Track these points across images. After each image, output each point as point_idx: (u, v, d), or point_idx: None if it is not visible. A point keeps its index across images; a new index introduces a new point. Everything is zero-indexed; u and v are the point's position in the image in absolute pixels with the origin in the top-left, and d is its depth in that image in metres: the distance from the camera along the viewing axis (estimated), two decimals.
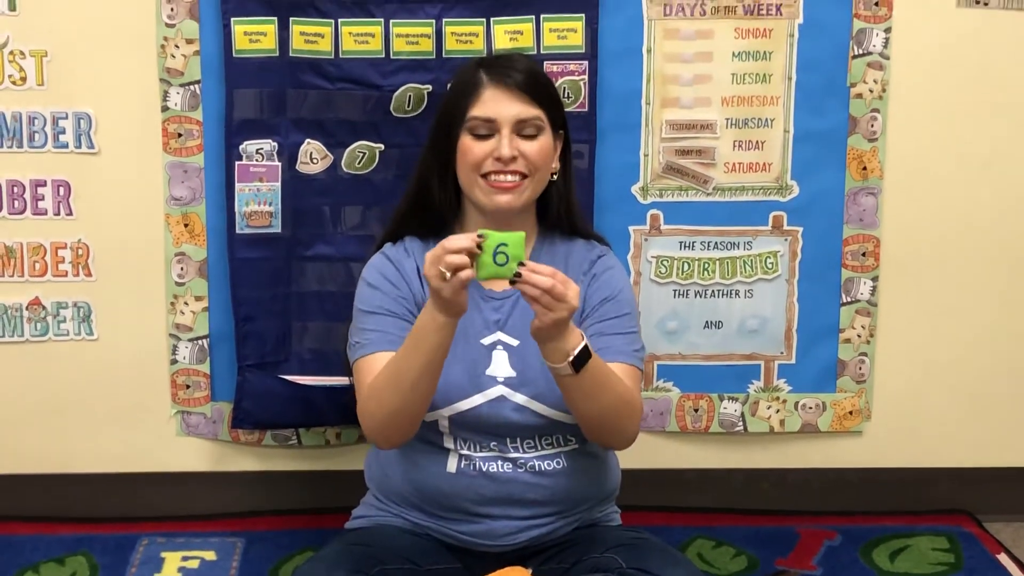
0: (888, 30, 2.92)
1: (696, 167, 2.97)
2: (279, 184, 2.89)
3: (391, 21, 2.83)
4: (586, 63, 2.88)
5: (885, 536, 3.02)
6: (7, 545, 2.92)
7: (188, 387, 3.02)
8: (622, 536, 2.30)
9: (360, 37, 2.84)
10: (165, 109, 2.88)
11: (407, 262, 2.34)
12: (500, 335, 2.31)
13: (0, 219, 2.92)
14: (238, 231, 2.89)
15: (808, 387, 3.08)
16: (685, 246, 3.00)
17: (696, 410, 3.08)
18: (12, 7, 2.83)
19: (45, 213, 2.92)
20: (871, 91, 2.94)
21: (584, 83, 2.89)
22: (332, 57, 2.84)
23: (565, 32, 2.86)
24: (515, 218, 2.30)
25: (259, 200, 2.89)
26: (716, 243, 3.00)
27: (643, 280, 3.01)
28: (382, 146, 2.89)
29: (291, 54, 2.84)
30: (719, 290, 3.03)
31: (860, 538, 3.01)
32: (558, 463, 2.30)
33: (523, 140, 2.26)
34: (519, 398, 2.27)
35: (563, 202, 2.38)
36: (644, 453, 3.05)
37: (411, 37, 2.84)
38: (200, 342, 2.99)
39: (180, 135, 2.90)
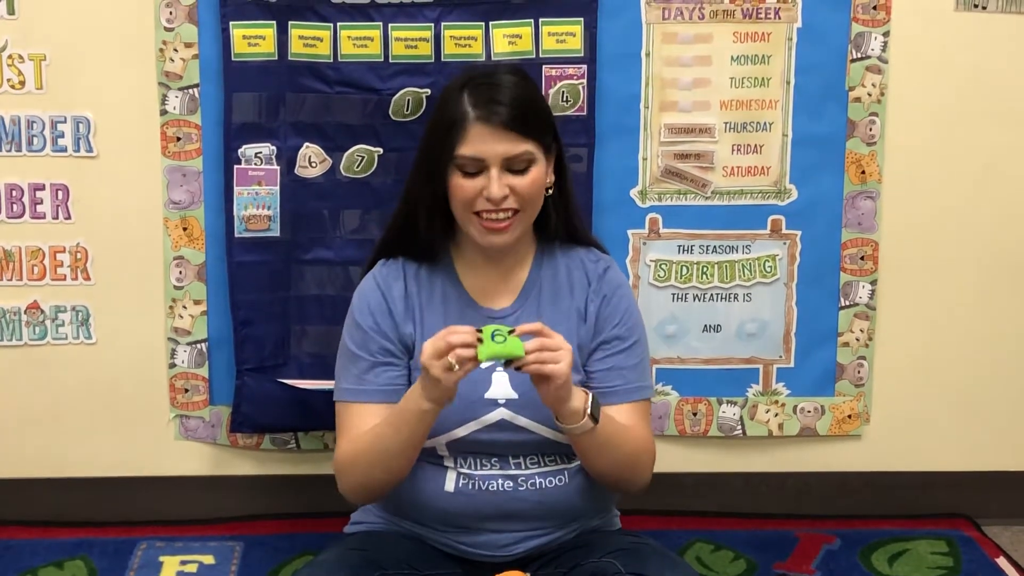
0: (887, 34, 2.92)
1: (695, 171, 2.97)
2: (278, 188, 2.89)
3: (390, 25, 2.83)
4: (585, 67, 2.88)
5: (884, 540, 3.02)
6: (6, 549, 2.92)
7: (187, 391, 3.02)
8: (621, 540, 2.29)
9: (359, 41, 2.84)
10: (164, 113, 2.88)
11: (396, 286, 2.30)
12: None
13: None
14: (237, 235, 2.89)
15: (807, 391, 3.08)
16: (684, 250, 3.00)
17: (695, 414, 3.08)
18: (11, 11, 2.83)
19: (44, 217, 2.92)
20: (870, 95, 2.95)
21: (583, 87, 2.89)
22: (331, 61, 2.84)
23: (564, 36, 2.86)
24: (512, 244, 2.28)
25: (258, 204, 2.89)
26: (715, 247, 3.00)
27: (642, 284, 3.01)
28: (381, 150, 2.89)
29: (290, 58, 2.83)
30: (718, 294, 3.03)
31: (859, 542, 3.01)
32: (560, 480, 2.28)
33: (514, 176, 2.19)
34: (522, 420, 2.24)
35: (561, 214, 2.32)
36: None
37: (410, 41, 2.84)
38: (199, 346, 2.99)
39: (179, 139, 2.90)
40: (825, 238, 3.01)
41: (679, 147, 2.96)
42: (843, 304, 3.04)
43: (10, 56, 2.85)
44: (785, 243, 3.01)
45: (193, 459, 3.07)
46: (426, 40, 2.84)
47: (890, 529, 3.07)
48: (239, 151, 2.87)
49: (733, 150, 2.96)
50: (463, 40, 2.84)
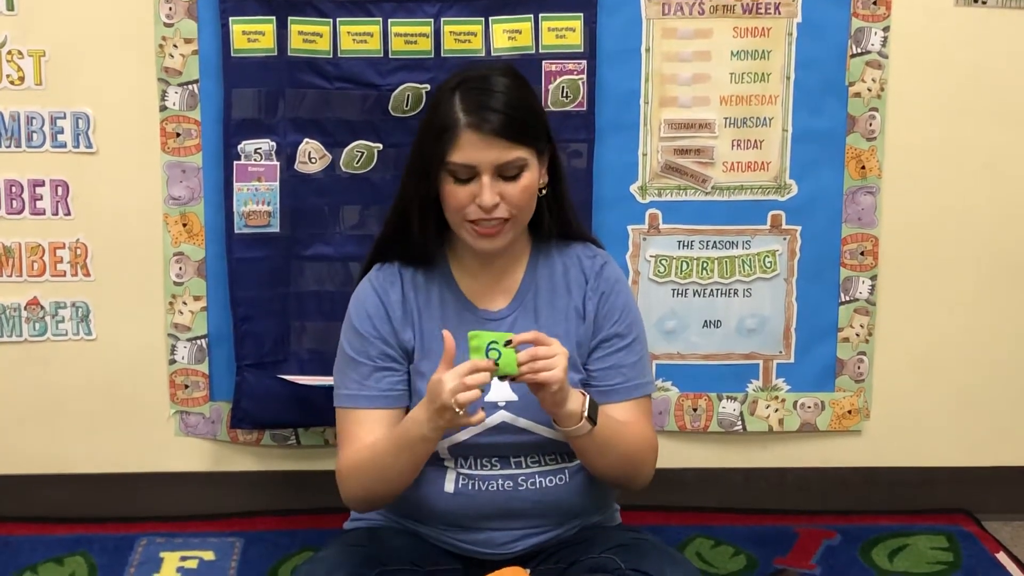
0: (887, 29, 2.92)
1: (695, 166, 2.97)
2: (277, 184, 2.89)
3: (389, 20, 2.83)
4: (585, 62, 2.88)
5: (884, 535, 3.02)
6: (5, 545, 2.92)
7: (187, 387, 3.02)
8: (620, 536, 2.30)
9: (358, 36, 2.84)
10: (163, 109, 2.88)
11: (393, 291, 2.29)
12: None
13: None
14: (236, 231, 2.89)
15: (807, 386, 3.08)
16: (684, 245, 3.00)
17: (695, 409, 3.08)
18: (10, 7, 2.83)
19: (43, 213, 2.92)
20: (870, 90, 2.94)
21: (583, 82, 2.88)
22: (330, 56, 2.84)
23: (564, 31, 2.86)
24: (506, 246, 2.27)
25: (257, 200, 2.89)
26: (715, 242, 3.00)
27: (642, 279, 3.01)
28: (380, 145, 2.89)
29: (289, 53, 2.83)
30: (718, 289, 3.03)
31: (859, 537, 3.00)
32: (560, 478, 2.29)
33: (506, 182, 2.17)
34: (522, 422, 2.24)
35: (555, 213, 2.31)
36: None
37: (409, 36, 2.84)
38: (199, 342, 2.99)
39: (178, 135, 2.90)
40: (825, 233, 3.01)
41: (679, 143, 2.96)
42: (843, 299, 3.04)
43: (9, 52, 2.85)
44: (785, 238, 3.01)
45: (193, 455, 3.07)
46: (426, 35, 2.84)
47: (890, 524, 3.07)
48: (239, 147, 2.87)
49: (733, 145, 2.96)
50: (463, 35, 2.84)
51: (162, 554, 2.90)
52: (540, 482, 2.27)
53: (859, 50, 2.93)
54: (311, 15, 2.82)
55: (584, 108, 2.90)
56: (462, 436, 2.23)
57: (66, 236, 2.94)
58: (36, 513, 3.04)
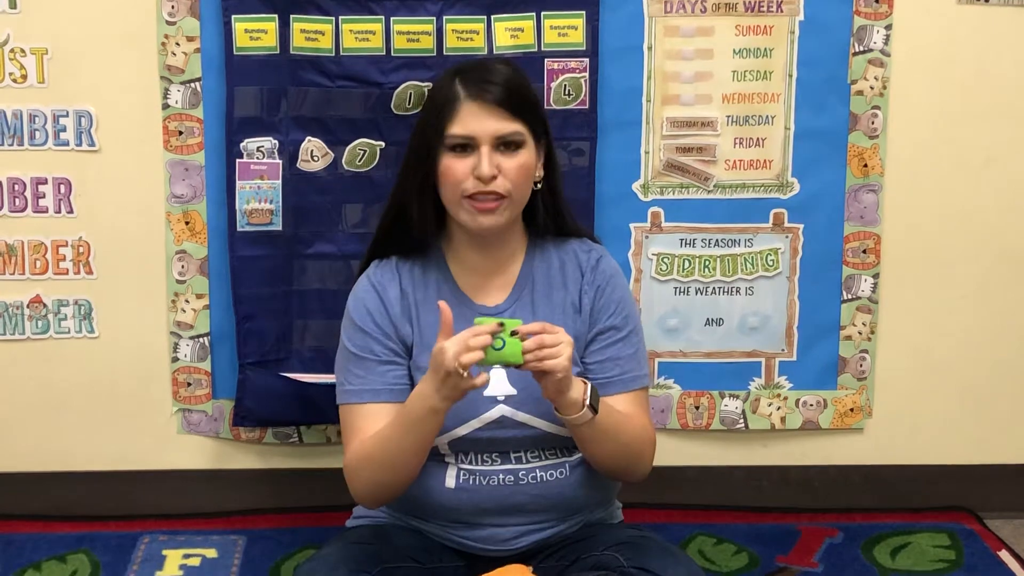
0: (889, 27, 2.92)
1: (697, 164, 2.97)
2: (280, 182, 2.89)
3: (392, 18, 2.83)
4: (587, 60, 2.88)
5: (886, 533, 3.02)
6: (8, 543, 2.93)
7: (189, 385, 3.02)
8: (623, 534, 2.30)
9: (361, 34, 2.84)
10: (166, 107, 2.88)
11: (391, 288, 2.31)
12: None
13: (1, 217, 2.92)
14: (239, 229, 2.89)
15: (809, 384, 3.08)
16: (686, 243, 3.00)
17: (697, 407, 3.08)
18: (13, 5, 2.83)
19: (46, 211, 2.92)
20: (872, 88, 2.94)
21: (585, 80, 2.88)
22: (333, 55, 2.84)
23: (566, 29, 2.86)
24: (502, 233, 2.28)
25: (260, 198, 2.89)
26: (717, 240, 3.00)
27: (644, 277, 3.01)
28: (383, 144, 2.89)
29: (292, 52, 2.83)
30: (720, 287, 3.03)
31: (861, 535, 3.01)
32: (561, 472, 2.29)
33: (503, 156, 2.21)
34: (521, 416, 2.25)
35: (550, 208, 2.33)
36: None
37: (412, 34, 2.84)
38: (201, 340, 2.99)
39: (181, 133, 2.90)
40: (827, 231, 3.01)
41: (681, 141, 2.96)
42: (845, 297, 3.04)
43: (12, 50, 2.85)
44: (787, 236, 3.01)
45: (196, 453, 3.07)
46: (428, 34, 2.84)
47: (892, 522, 3.07)
48: (241, 145, 2.87)
49: (735, 143, 2.96)
50: (465, 33, 2.84)
51: (165, 552, 2.90)
52: (541, 476, 2.27)
53: (861, 48, 2.93)
54: (313, 13, 2.82)
55: (586, 106, 2.90)
56: (462, 431, 2.24)
57: (69, 234, 2.94)
58: (39, 511, 3.04)
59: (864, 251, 3.02)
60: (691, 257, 3.01)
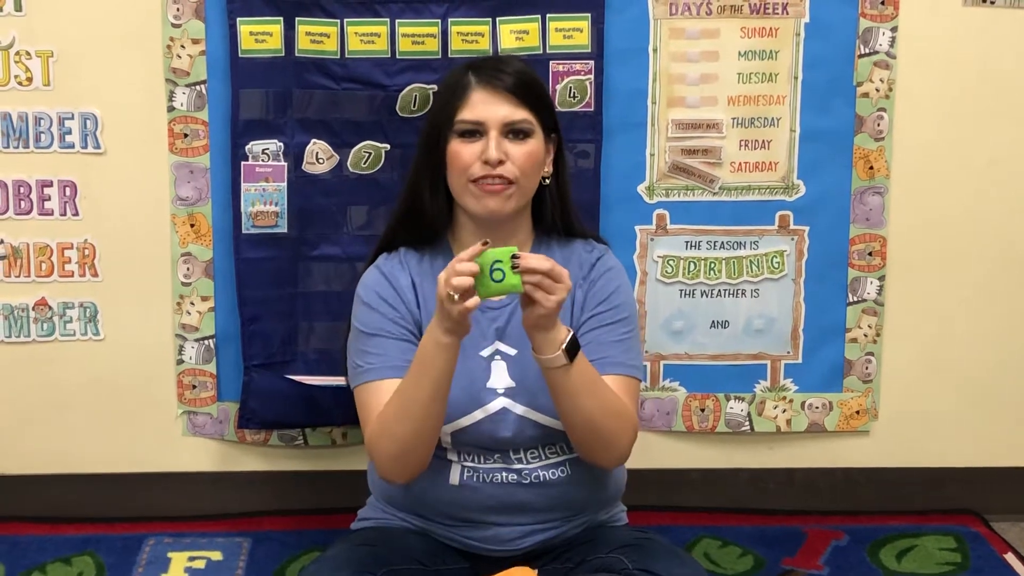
0: (895, 29, 2.92)
1: (702, 166, 2.97)
2: (285, 184, 2.89)
3: (397, 21, 2.83)
4: (592, 63, 2.88)
5: (892, 536, 3.02)
6: (13, 545, 2.93)
7: (194, 387, 3.02)
8: (628, 536, 2.30)
9: (366, 37, 2.84)
10: (171, 109, 2.89)
11: (402, 277, 2.32)
12: (499, 344, 2.30)
13: (6, 219, 2.92)
14: (244, 231, 2.90)
15: (815, 387, 3.08)
16: (691, 246, 3.00)
17: (702, 410, 3.08)
18: (18, 8, 2.84)
19: (51, 213, 2.93)
20: (877, 90, 2.94)
21: (590, 83, 2.88)
22: (338, 57, 2.84)
23: (571, 32, 2.86)
24: (508, 224, 2.29)
25: (265, 200, 2.89)
26: (722, 243, 3.00)
27: (649, 280, 3.01)
28: (388, 146, 2.89)
29: (297, 54, 2.84)
30: (725, 290, 3.02)
31: (867, 538, 3.00)
32: (562, 471, 2.29)
33: (512, 143, 2.23)
34: (519, 408, 2.25)
35: (557, 206, 2.35)
36: (650, 453, 3.05)
37: (417, 37, 2.84)
38: (206, 342, 2.99)
39: (186, 135, 2.90)
40: (833, 234, 3.01)
41: (686, 143, 2.95)
42: (851, 300, 3.04)
43: (18, 53, 2.85)
44: (793, 239, 3.00)
45: (201, 455, 3.07)
46: (433, 36, 2.84)
47: (898, 525, 3.06)
48: (246, 147, 2.87)
49: (741, 146, 2.96)
50: (470, 36, 2.84)
51: (170, 554, 2.90)
52: (543, 475, 2.27)
53: (867, 50, 2.92)
54: (318, 16, 2.82)
55: (591, 108, 2.90)
56: (465, 421, 2.24)
57: (74, 236, 2.94)
58: (44, 513, 3.05)
59: (870, 253, 3.02)
60: (696, 259, 3.01)
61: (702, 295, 3.03)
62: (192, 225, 2.94)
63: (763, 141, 2.96)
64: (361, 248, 2.88)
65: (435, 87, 2.82)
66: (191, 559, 2.88)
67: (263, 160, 2.88)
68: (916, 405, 3.11)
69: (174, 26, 2.85)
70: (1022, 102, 2.99)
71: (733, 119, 2.95)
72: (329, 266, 2.94)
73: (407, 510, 2.35)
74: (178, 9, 2.84)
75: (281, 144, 2.88)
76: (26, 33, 2.85)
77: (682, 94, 2.93)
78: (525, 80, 2.27)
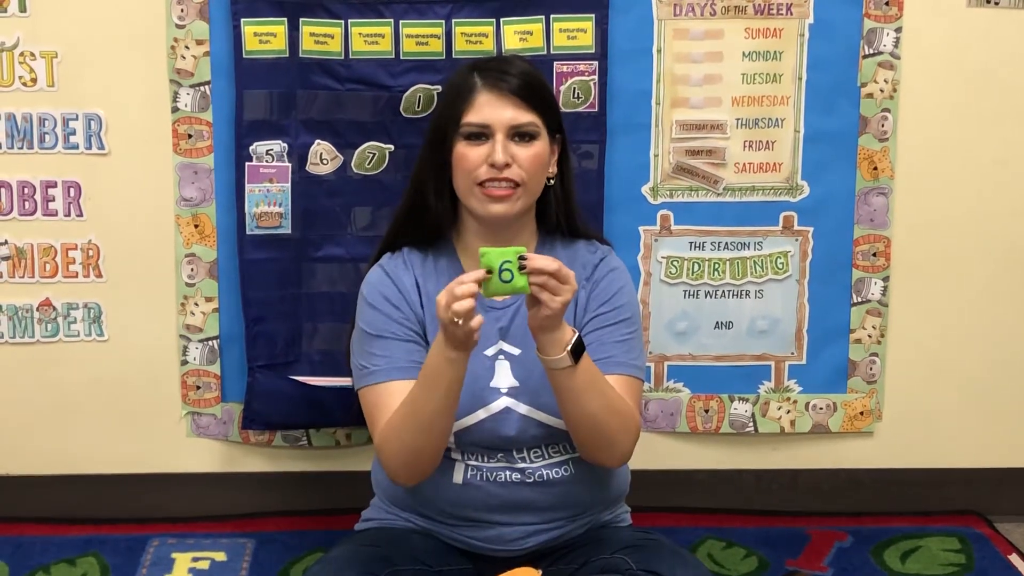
0: (899, 30, 2.92)
1: (706, 167, 2.96)
2: (289, 185, 2.89)
3: (401, 22, 2.83)
4: (596, 63, 2.88)
5: (896, 537, 3.01)
6: (18, 546, 2.93)
7: (198, 388, 3.02)
8: (632, 537, 2.30)
9: (370, 38, 2.84)
10: (175, 110, 2.89)
11: (406, 277, 2.32)
12: (502, 344, 2.30)
13: (11, 220, 2.93)
14: (248, 232, 2.90)
15: (819, 388, 3.08)
16: (695, 246, 3.00)
17: (706, 411, 3.08)
18: (22, 8, 2.84)
19: (56, 214, 2.93)
20: (882, 91, 2.94)
21: (594, 83, 2.88)
22: (342, 58, 2.84)
23: (575, 32, 2.86)
24: (513, 225, 2.29)
25: (269, 201, 2.89)
26: (726, 243, 3.00)
27: (653, 281, 3.01)
28: (392, 147, 2.89)
29: (301, 55, 2.84)
30: (729, 290, 3.02)
31: (871, 539, 3.00)
32: (566, 470, 2.30)
33: (518, 146, 2.23)
34: (523, 408, 2.26)
35: (562, 206, 2.36)
36: (654, 454, 3.05)
37: (421, 38, 2.84)
38: (210, 343, 2.99)
39: (190, 136, 2.90)
40: (837, 234, 3.00)
41: (690, 143, 2.95)
42: (855, 301, 3.04)
43: (22, 53, 2.85)
44: (797, 239, 3.00)
45: (205, 456, 3.07)
46: (437, 37, 2.84)
47: (902, 526, 3.06)
48: (250, 148, 2.87)
49: (745, 146, 2.96)
50: (474, 37, 2.84)
51: (174, 555, 2.90)
52: (546, 474, 2.28)
53: (871, 51, 2.92)
54: (322, 16, 2.83)
55: (595, 109, 2.90)
56: (468, 420, 2.24)
57: (78, 237, 2.94)
58: (48, 514, 3.05)
59: (874, 254, 3.02)
60: (700, 260, 3.01)
61: (706, 296, 3.03)
62: (196, 226, 2.94)
63: (767, 142, 2.96)
64: (365, 249, 2.88)
65: (439, 88, 2.82)
66: (195, 560, 2.89)
67: (267, 161, 2.88)
68: (920, 406, 3.11)
69: (178, 27, 2.85)
70: None
71: (737, 120, 2.95)
72: (333, 267, 2.94)
73: (411, 510, 2.35)
74: (182, 10, 2.84)
75: (285, 145, 2.88)
76: (30, 34, 2.85)
77: (686, 95, 2.93)
78: (530, 82, 2.27)
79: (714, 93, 2.93)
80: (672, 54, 2.91)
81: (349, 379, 2.77)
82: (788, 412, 3.08)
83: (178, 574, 2.83)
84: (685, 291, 3.02)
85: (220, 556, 2.91)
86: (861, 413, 3.09)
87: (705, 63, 2.92)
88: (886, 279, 3.03)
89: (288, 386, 2.94)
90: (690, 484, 3.13)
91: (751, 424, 3.09)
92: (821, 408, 3.08)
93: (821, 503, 3.14)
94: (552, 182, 2.33)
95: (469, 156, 2.23)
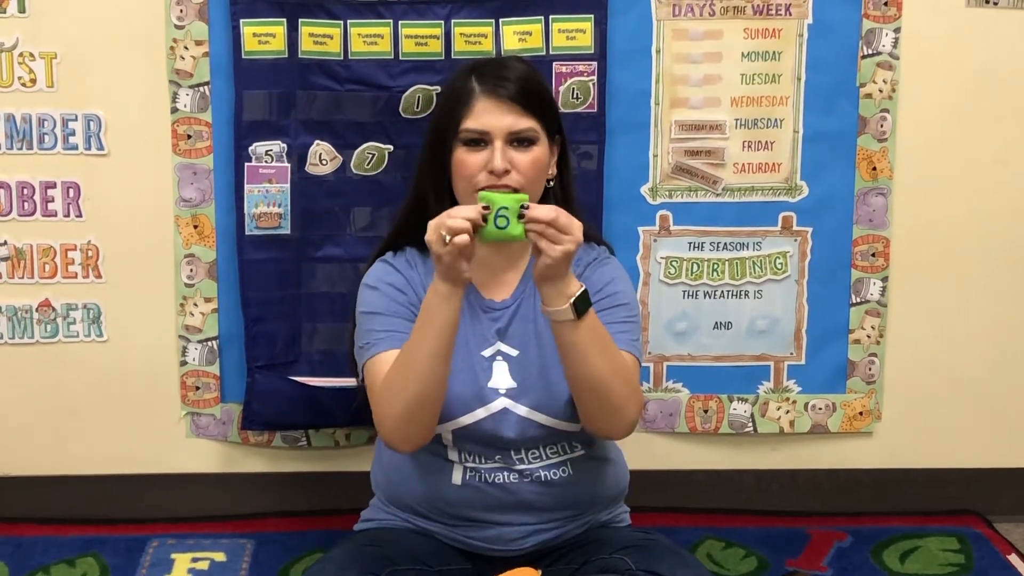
0: (898, 30, 2.92)
1: (705, 168, 2.97)
2: (288, 185, 2.89)
3: (400, 22, 2.83)
4: (595, 64, 2.88)
5: (895, 537, 3.01)
6: (17, 546, 2.93)
7: (198, 388, 3.02)
8: (631, 537, 2.30)
9: (369, 38, 2.84)
10: (174, 111, 2.89)
11: (409, 272, 2.33)
12: (500, 345, 2.30)
13: (10, 221, 2.93)
14: (247, 232, 2.90)
15: (818, 388, 3.08)
16: (694, 247, 3.00)
17: (706, 411, 3.08)
18: (22, 9, 2.84)
19: (55, 215, 2.93)
20: (881, 91, 2.94)
21: (593, 84, 2.88)
22: (341, 58, 2.84)
23: (574, 33, 2.86)
24: None
25: (268, 201, 2.89)
26: (725, 244, 3.00)
27: (652, 281, 3.01)
28: (391, 147, 2.89)
29: (300, 55, 2.84)
30: (728, 291, 3.02)
31: (870, 539, 3.00)
32: (564, 471, 2.30)
33: (516, 151, 2.23)
34: (521, 409, 2.25)
35: (562, 207, 2.34)
36: (654, 454, 3.05)
37: (420, 38, 2.84)
38: (210, 343, 2.99)
39: (189, 136, 2.90)
40: (836, 235, 3.01)
41: (690, 144, 2.95)
42: (854, 301, 3.04)
43: (21, 54, 2.86)
44: (796, 240, 3.00)
45: (204, 456, 3.07)
46: (436, 37, 2.84)
47: (901, 526, 3.06)
48: (250, 149, 2.87)
49: (744, 147, 2.96)
50: (473, 37, 2.84)
51: (173, 555, 2.90)
52: (544, 474, 2.28)
53: (870, 51, 2.92)
54: (322, 17, 2.83)
55: (594, 109, 2.90)
56: (466, 419, 2.24)
57: (77, 238, 2.94)
58: (48, 514, 3.05)
59: (873, 254, 3.02)
60: (699, 260, 3.01)
61: (705, 296, 3.03)
62: (196, 226, 2.94)
63: (766, 142, 2.96)
64: (364, 249, 2.88)
65: (438, 88, 2.82)
66: (195, 560, 2.89)
67: (266, 161, 2.88)
68: (919, 406, 3.11)
69: (177, 28, 2.85)
70: None
71: (736, 120, 2.95)
72: (332, 267, 2.94)
73: (410, 511, 2.35)
74: (181, 11, 2.84)
75: (284, 145, 2.88)
76: (30, 35, 2.85)
77: (685, 95, 2.93)
78: (529, 86, 2.26)
79: (713, 93, 2.93)
80: (671, 54, 2.91)
81: (349, 379, 2.78)
82: (787, 412, 3.08)
83: (178, 574, 2.83)
84: (684, 291, 3.02)
85: (220, 556, 2.91)
86: (860, 413, 3.09)
87: (704, 63, 2.92)
88: (885, 279, 3.03)
89: (287, 386, 2.94)
90: (689, 484, 3.13)
91: (750, 424, 3.09)
92: (820, 408, 3.08)
93: (820, 503, 3.14)
94: (552, 183, 2.33)
95: (468, 162, 2.23)
